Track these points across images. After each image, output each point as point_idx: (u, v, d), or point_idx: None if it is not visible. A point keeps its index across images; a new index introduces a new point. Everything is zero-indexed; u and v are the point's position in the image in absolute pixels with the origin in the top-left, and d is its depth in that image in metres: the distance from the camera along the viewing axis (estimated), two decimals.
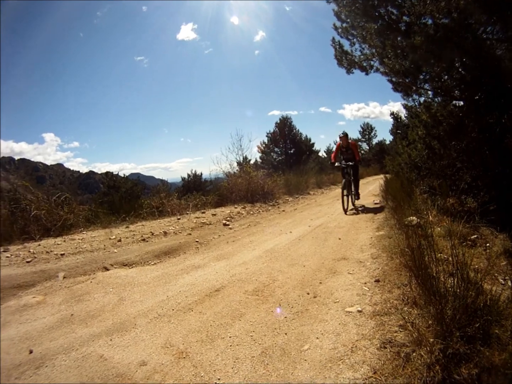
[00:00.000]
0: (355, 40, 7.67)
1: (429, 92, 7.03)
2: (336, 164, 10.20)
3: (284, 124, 31.89)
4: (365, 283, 3.78)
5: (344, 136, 10.27)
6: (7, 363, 2.82)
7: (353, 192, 10.31)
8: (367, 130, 44.07)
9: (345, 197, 9.64)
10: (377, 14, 6.40)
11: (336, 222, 7.83)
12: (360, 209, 9.92)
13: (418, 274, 2.80)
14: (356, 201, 10.61)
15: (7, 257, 5.63)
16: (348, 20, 7.35)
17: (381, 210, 8.88)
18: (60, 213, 7.62)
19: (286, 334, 2.87)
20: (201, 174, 17.87)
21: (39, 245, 6.22)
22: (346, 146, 10.22)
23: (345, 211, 9.37)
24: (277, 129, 31.99)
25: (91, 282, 4.70)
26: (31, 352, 2.99)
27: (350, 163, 9.88)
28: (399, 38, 6.37)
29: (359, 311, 3.12)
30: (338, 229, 6.94)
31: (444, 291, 2.47)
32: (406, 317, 2.70)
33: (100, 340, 3.05)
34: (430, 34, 5.72)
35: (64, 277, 4.94)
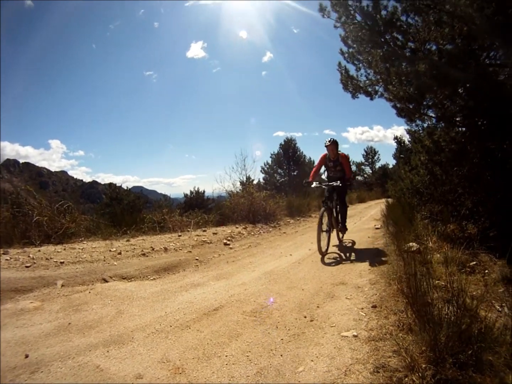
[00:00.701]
0: (360, 65, 7.81)
1: (433, 118, 7.12)
2: (314, 184, 7.39)
3: (289, 146, 32.21)
4: (362, 309, 3.80)
5: (332, 144, 7.54)
6: (2, 365, 2.85)
7: (338, 226, 8.00)
8: (371, 153, 44.24)
9: (324, 234, 7.02)
10: (382, 40, 6.52)
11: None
12: (347, 246, 8.04)
13: (414, 301, 2.84)
14: (342, 235, 8.36)
15: (7, 260, 5.66)
16: (355, 45, 7.48)
17: (376, 253, 6.79)
18: (62, 221, 7.69)
19: (281, 355, 2.90)
20: (204, 191, 17.97)
21: (39, 251, 6.24)
22: (334, 159, 7.74)
23: (323, 253, 6.85)
24: (281, 150, 32.27)
25: (89, 292, 4.71)
26: (26, 356, 3.01)
27: (335, 183, 7.22)
28: (403, 65, 6.49)
29: (355, 336, 3.14)
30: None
31: (438, 318, 2.51)
32: (400, 343, 2.71)
33: (97, 351, 3.08)
34: (434, 60, 5.83)
35: (62, 285, 4.97)
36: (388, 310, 3.60)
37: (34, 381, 2.63)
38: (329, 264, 6.24)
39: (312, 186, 7.44)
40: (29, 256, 5.89)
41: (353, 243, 8.27)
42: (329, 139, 7.64)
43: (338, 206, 7.89)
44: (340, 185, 7.28)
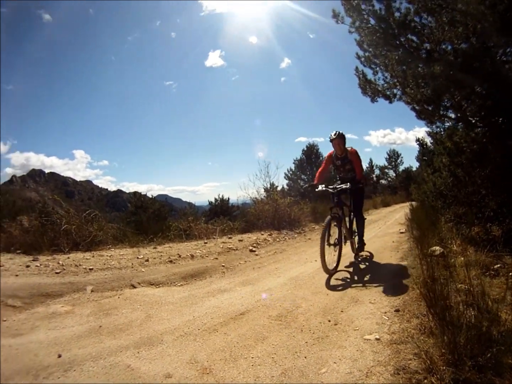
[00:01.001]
0: (378, 68, 7.81)
1: (452, 119, 7.08)
2: (320, 188, 6.19)
3: (311, 151, 32.13)
4: (385, 313, 3.86)
5: (338, 138, 6.43)
6: (35, 363, 3.00)
7: (353, 239, 6.85)
8: (394, 157, 43.62)
9: (329, 248, 5.72)
10: (397, 42, 6.55)
11: None
12: (363, 264, 6.68)
13: (434, 305, 2.89)
14: (359, 251, 7.00)
15: (37, 266, 5.91)
16: (370, 49, 7.49)
17: (398, 271, 5.78)
18: (90, 229, 7.96)
19: (305, 357, 2.99)
20: (228, 199, 18.09)
21: (68, 258, 6.50)
22: (342, 156, 6.62)
23: (330, 271, 5.64)
24: (304, 156, 32.21)
25: (118, 297, 4.89)
26: (59, 356, 3.15)
27: (345, 186, 5.99)
28: (420, 66, 6.50)
29: (377, 339, 3.21)
30: None
31: (458, 321, 2.56)
32: (421, 346, 2.77)
33: (127, 352, 3.22)
34: (449, 60, 5.83)
35: (92, 291, 5.16)
36: (411, 314, 3.65)
37: (67, 378, 2.78)
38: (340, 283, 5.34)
39: (317, 190, 6.31)
40: (58, 263, 6.13)
41: (371, 255, 7.18)
42: (335, 132, 6.47)
43: (352, 215, 6.77)
44: (351, 188, 6.04)
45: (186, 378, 2.75)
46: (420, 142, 30.73)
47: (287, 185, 29.79)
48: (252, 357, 3.05)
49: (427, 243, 5.67)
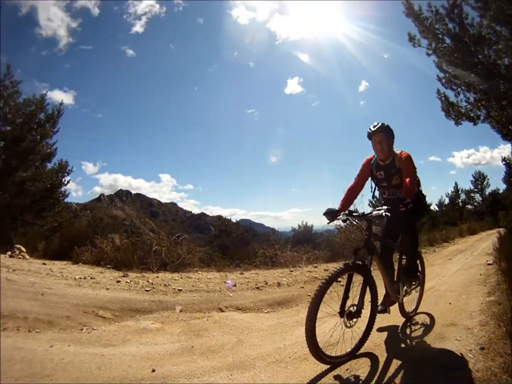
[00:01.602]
0: (459, 89, 7.74)
1: None
2: (341, 217, 4.07)
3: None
4: (470, 350, 3.84)
5: (381, 131, 4.36)
6: (129, 375, 3.27)
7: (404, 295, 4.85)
8: (480, 179, 40.96)
9: (339, 321, 3.88)
10: (476, 60, 6.47)
11: (447, 285, 7.58)
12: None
13: None
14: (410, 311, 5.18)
15: (127, 282, 6.51)
16: (450, 69, 7.45)
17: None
18: (179, 251, 8.57)
19: None
20: (312, 226, 18.24)
21: (157, 277, 7.10)
22: (387, 163, 4.50)
23: (326, 361, 3.59)
24: None
25: (207, 320, 5.23)
26: (153, 371, 3.38)
27: (382, 211, 3.77)
28: (501, 83, 6.33)
29: (461, 376, 3.26)
30: (449, 293, 6.75)
31: None
32: None
33: (220, 373, 3.48)
34: None
35: (180, 311, 5.57)
36: (496, 352, 3.65)
37: None
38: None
39: (335, 222, 4.75)
40: (148, 281, 6.69)
41: (432, 320, 5.14)
42: (376, 124, 4.39)
43: (404, 258, 4.75)
44: (393, 211, 3.80)
45: None
46: (507, 162, 28.94)
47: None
48: None
49: None
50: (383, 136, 4.37)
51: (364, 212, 4.01)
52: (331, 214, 4.18)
